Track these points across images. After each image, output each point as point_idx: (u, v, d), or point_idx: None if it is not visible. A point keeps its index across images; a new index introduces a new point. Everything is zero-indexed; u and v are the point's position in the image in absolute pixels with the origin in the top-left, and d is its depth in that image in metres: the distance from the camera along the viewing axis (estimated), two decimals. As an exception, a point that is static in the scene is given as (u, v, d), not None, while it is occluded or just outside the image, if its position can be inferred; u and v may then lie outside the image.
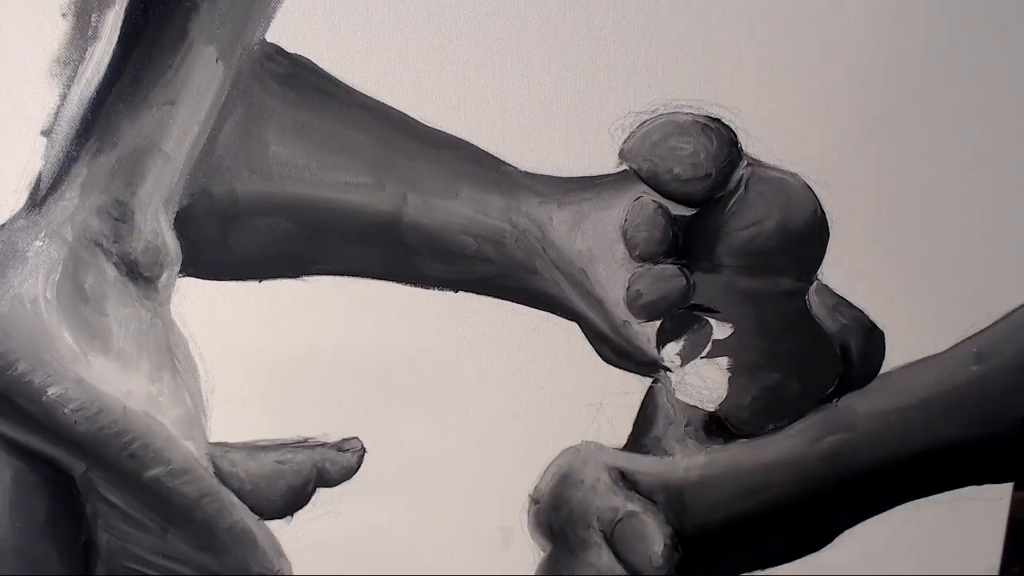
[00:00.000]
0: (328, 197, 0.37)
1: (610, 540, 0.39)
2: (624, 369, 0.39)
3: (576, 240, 0.38)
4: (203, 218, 0.37)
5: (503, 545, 0.41)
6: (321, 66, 0.36)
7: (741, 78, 0.36)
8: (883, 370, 0.39)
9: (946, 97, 0.36)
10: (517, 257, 0.38)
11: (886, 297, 0.38)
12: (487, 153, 0.37)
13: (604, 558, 0.40)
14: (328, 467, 0.39)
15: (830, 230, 0.37)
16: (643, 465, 0.40)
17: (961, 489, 0.40)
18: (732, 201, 0.37)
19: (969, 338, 0.38)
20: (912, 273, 0.38)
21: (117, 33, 0.35)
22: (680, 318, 0.38)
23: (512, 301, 0.38)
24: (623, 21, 0.35)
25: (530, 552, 0.41)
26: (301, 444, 0.40)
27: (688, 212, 0.37)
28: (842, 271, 0.37)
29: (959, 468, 0.39)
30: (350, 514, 0.40)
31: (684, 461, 0.40)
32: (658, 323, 0.38)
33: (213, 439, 0.39)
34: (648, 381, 0.39)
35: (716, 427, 0.39)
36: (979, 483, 0.40)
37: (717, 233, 0.37)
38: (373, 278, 0.38)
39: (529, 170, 0.37)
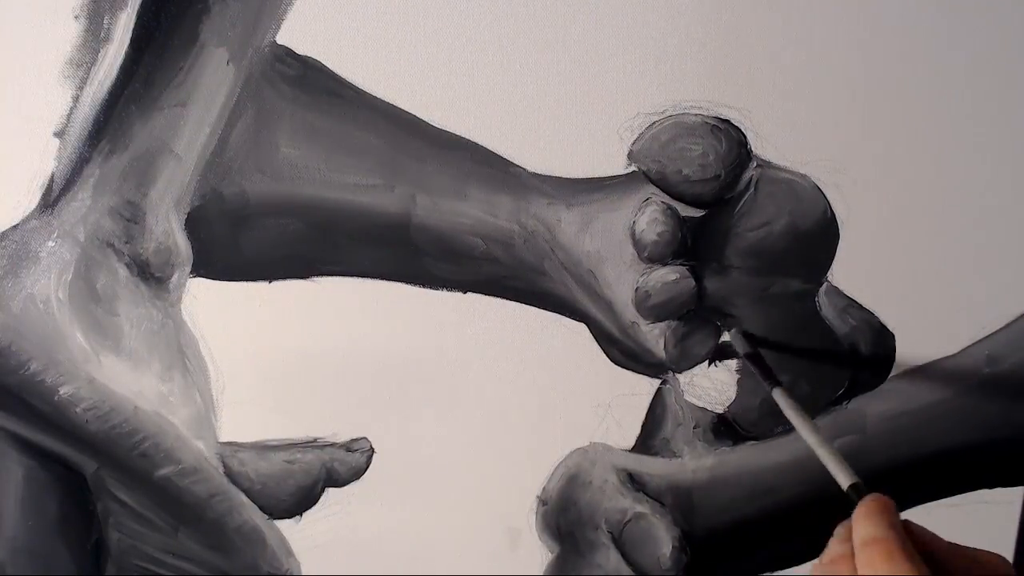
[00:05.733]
0: (338, 198, 0.37)
1: (618, 541, 0.39)
2: (632, 370, 0.39)
3: (585, 241, 0.38)
4: (214, 219, 0.37)
5: (511, 546, 0.41)
6: (331, 68, 0.36)
7: (751, 80, 0.35)
8: (893, 373, 0.38)
9: (956, 100, 0.35)
10: (526, 258, 0.38)
11: (896, 299, 0.38)
12: (496, 154, 0.37)
13: (612, 559, 0.40)
14: (337, 467, 0.40)
15: (840, 232, 0.37)
16: (651, 467, 0.40)
17: (972, 492, 0.39)
18: (741, 202, 0.37)
19: (980, 341, 0.38)
20: (923, 275, 0.38)
21: (129, 35, 0.35)
22: (689, 319, 0.38)
23: (521, 302, 0.38)
24: (632, 23, 0.35)
25: (538, 553, 0.41)
26: (310, 444, 0.40)
27: (697, 213, 0.37)
28: (852, 273, 0.37)
29: (970, 471, 0.39)
30: (359, 514, 0.40)
31: (693, 463, 0.39)
32: (667, 324, 0.38)
33: (223, 439, 0.39)
34: (657, 382, 0.39)
35: (725, 429, 0.39)
36: (990, 487, 0.39)
37: (726, 234, 0.37)
38: (382, 279, 0.38)
39: (538, 171, 0.37)
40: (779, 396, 0.34)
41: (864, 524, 0.27)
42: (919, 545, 0.26)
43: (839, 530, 0.28)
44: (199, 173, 0.37)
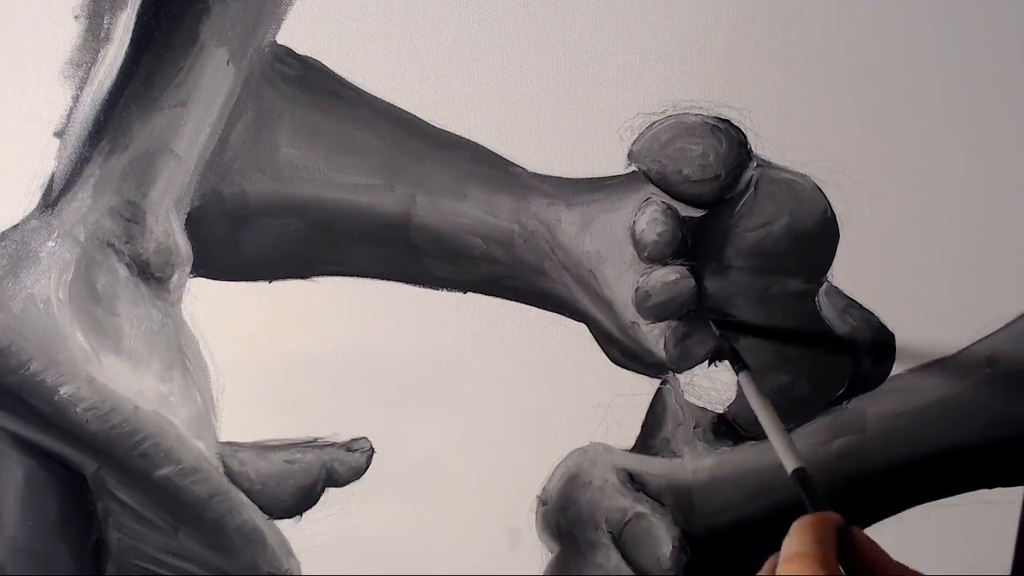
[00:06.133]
0: (338, 198, 0.37)
1: (618, 541, 0.39)
2: (632, 370, 0.39)
3: (585, 241, 0.38)
4: (214, 219, 0.37)
5: (511, 546, 0.41)
6: (331, 68, 0.36)
7: (751, 80, 0.35)
8: (893, 373, 0.38)
9: (956, 100, 0.36)
10: (526, 258, 0.38)
11: (896, 299, 0.38)
12: (496, 154, 0.37)
13: (612, 559, 0.40)
14: (337, 467, 0.40)
15: (840, 232, 0.37)
16: (651, 467, 0.40)
17: (972, 492, 0.39)
18: (741, 202, 0.37)
19: (980, 341, 0.38)
20: (923, 275, 0.38)
21: (129, 35, 0.35)
22: (689, 319, 0.38)
23: (520, 302, 0.38)
24: (632, 23, 0.35)
25: (538, 553, 0.41)
26: (310, 444, 0.40)
27: (697, 213, 0.37)
28: (852, 273, 0.37)
29: (970, 471, 0.39)
30: (359, 514, 0.40)
31: (693, 463, 0.40)
32: (667, 324, 0.38)
33: (223, 439, 0.39)
34: (657, 382, 0.39)
35: (725, 429, 0.39)
36: (990, 486, 0.39)
37: (726, 234, 0.37)
38: (382, 279, 0.38)
39: (538, 171, 0.37)
40: (744, 380, 0.35)
41: (792, 538, 0.26)
42: (860, 564, 0.25)
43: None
44: (199, 173, 0.37)
